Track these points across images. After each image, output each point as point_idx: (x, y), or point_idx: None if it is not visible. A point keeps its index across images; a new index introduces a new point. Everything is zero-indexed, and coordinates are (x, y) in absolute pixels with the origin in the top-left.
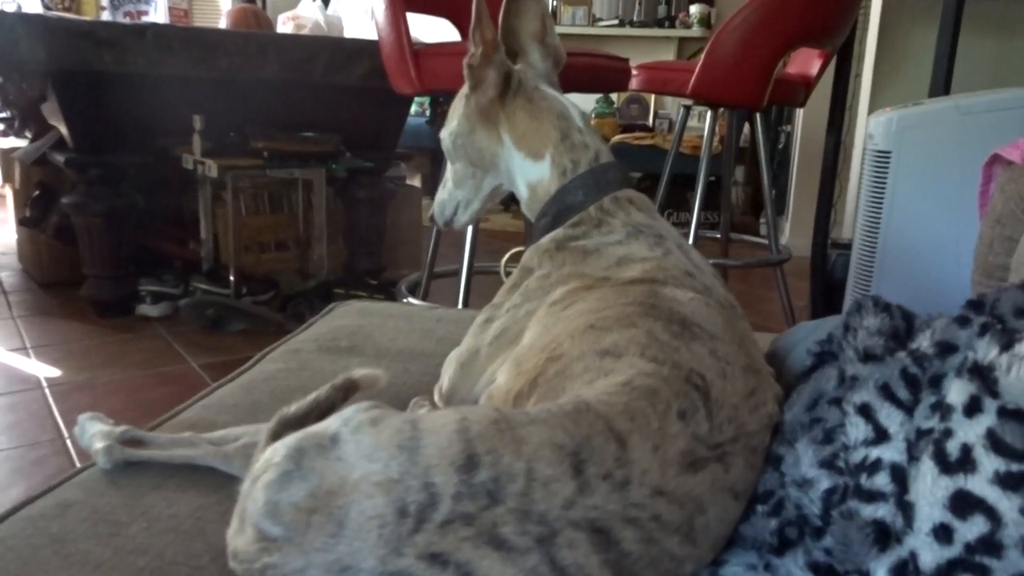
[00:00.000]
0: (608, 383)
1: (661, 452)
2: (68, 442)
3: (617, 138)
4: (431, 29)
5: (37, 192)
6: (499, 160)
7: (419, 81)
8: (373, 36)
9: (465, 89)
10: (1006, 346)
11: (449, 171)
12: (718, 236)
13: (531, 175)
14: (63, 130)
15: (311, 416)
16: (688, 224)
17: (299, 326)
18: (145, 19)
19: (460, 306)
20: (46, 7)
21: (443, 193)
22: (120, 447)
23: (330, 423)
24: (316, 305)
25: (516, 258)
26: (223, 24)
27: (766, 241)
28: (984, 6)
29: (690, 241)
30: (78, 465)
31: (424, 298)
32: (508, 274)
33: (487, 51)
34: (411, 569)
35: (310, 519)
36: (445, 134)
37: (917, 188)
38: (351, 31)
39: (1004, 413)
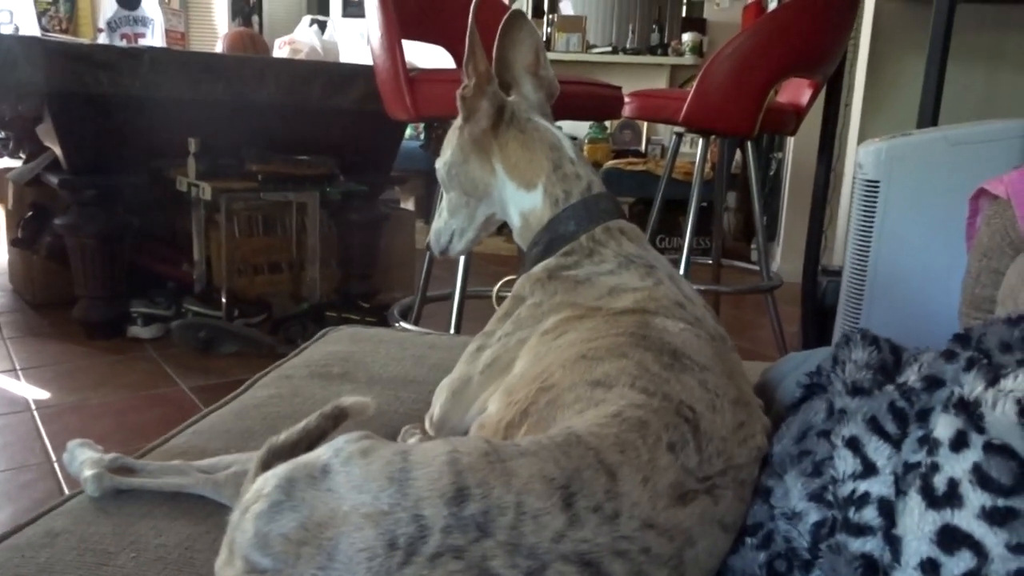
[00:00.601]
0: (598, 414)
1: (651, 484)
2: (56, 466)
3: (610, 163)
4: (426, 55)
5: (30, 213)
6: (492, 190)
7: (414, 107)
8: (369, 61)
9: (459, 120)
10: (992, 381)
11: (444, 200)
12: (710, 262)
13: (524, 205)
14: (58, 151)
15: (301, 445)
16: (680, 250)
17: (291, 349)
18: (142, 42)
19: (452, 330)
20: (43, 29)
21: (439, 222)
22: (109, 475)
23: (321, 453)
24: (308, 328)
25: (509, 285)
26: (220, 48)
27: (757, 267)
28: (972, 39)
29: (682, 267)
30: (66, 489)
31: (416, 322)
32: (500, 300)
33: (480, 82)
34: None
35: (300, 551)
36: (440, 164)
37: (906, 217)
38: (347, 56)
39: (990, 448)
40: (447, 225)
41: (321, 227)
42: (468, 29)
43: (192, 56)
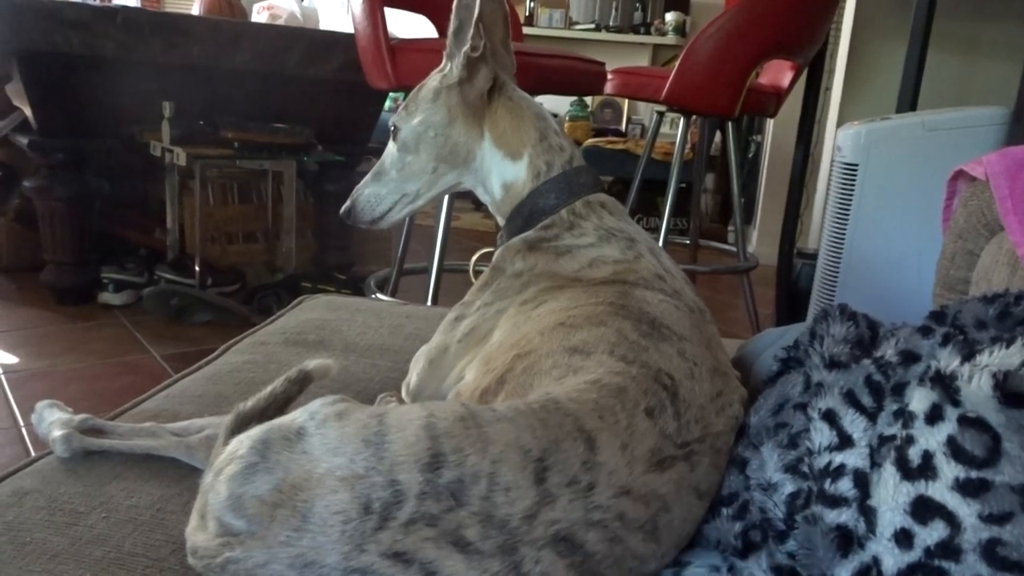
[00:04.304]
0: (577, 381)
1: (629, 450)
2: (24, 431)
3: (590, 142)
4: (407, 24)
5: None
6: (474, 158)
7: (395, 76)
8: (349, 29)
9: (449, 80)
10: (967, 356)
11: (393, 163)
12: (687, 242)
13: (507, 175)
14: (27, 112)
15: (269, 410)
16: (658, 229)
17: (265, 319)
18: (116, 2)
19: (429, 304)
20: None
21: (378, 187)
22: (79, 436)
23: (296, 416)
24: (283, 298)
25: (485, 258)
26: (196, 10)
27: (734, 248)
28: (952, 26)
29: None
30: (33, 453)
31: (393, 294)
32: (477, 274)
33: (487, 43)
34: (374, 566)
35: (274, 513)
36: (413, 123)
37: (882, 201)
38: (327, 23)
39: (964, 421)
40: (394, 190)
41: (297, 197)
42: None
43: (167, 17)
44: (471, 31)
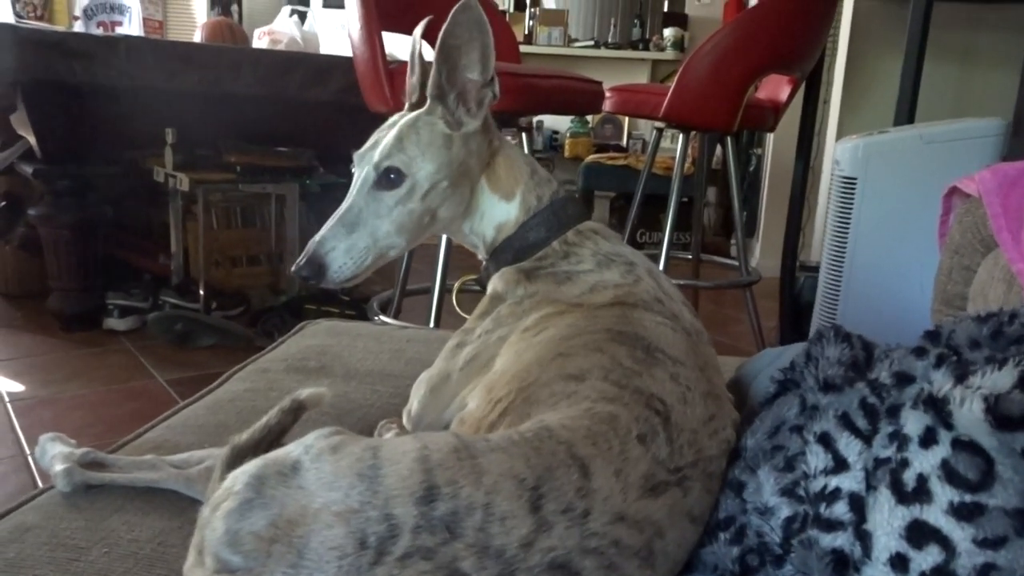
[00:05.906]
0: (570, 408)
1: (623, 476)
2: (30, 459)
3: (591, 158)
4: (406, 47)
5: (3, 202)
6: (470, 206)
7: (393, 99)
8: (349, 52)
9: (462, 127)
10: (960, 378)
11: (382, 211)
12: (689, 257)
13: (500, 217)
14: (32, 140)
15: (264, 442)
16: (660, 244)
17: (269, 342)
18: (119, 30)
19: (432, 324)
20: (17, 16)
21: (356, 239)
22: (80, 469)
23: (291, 450)
24: (287, 321)
25: (469, 285)
26: (198, 37)
27: (736, 262)
28: (948, 37)
29: (661, 262)
30: (39, 482)
31: (396, 315)
32: (462, 294)
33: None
34: None
35: (271, 549)
36: (429, 170)
37: (882, 214)
38: (327, 47)
39: (958, 444)
40: (383, 242)
41: (300, 219)
42: (477, 22)
43: (169, 45)
44: (481, 72)
